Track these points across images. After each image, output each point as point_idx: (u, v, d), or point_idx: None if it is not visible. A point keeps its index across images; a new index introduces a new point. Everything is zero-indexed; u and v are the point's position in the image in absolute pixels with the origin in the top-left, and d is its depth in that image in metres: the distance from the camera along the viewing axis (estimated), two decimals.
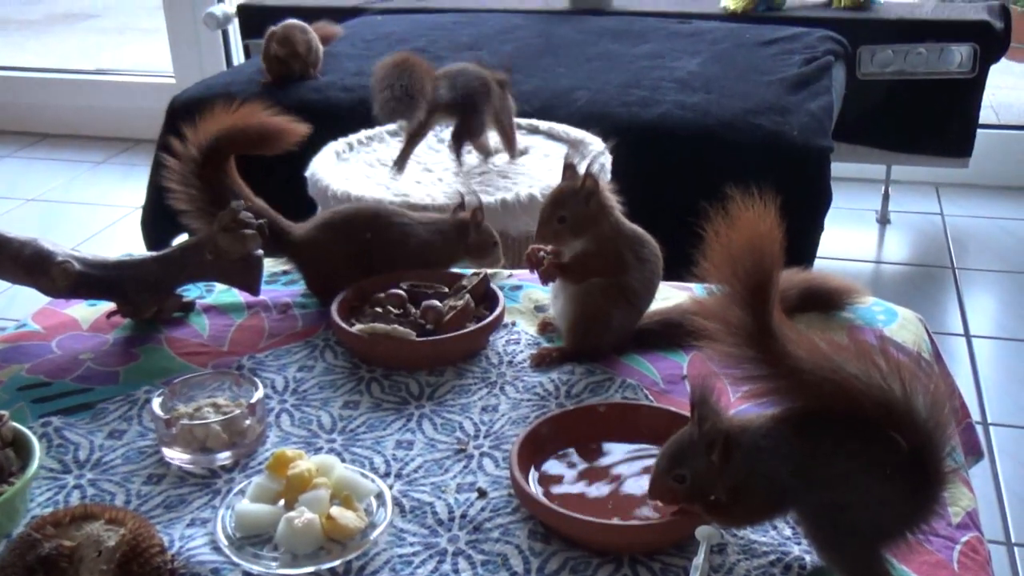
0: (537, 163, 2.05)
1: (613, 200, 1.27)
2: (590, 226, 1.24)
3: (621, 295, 1.27)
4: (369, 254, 1.42)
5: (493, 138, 2.06)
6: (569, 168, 1.27)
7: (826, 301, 1.39)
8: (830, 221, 2.32)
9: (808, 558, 0.96)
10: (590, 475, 1.09)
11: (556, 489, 1.05)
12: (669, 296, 1.44)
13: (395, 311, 1.34)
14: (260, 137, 1.44)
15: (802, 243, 2.20)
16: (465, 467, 1.11)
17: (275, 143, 1.45)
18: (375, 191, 1.90)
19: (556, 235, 1.25)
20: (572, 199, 1.24)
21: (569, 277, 1.28)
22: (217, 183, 1.41)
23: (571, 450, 1.11)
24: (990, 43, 3.09)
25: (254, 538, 1.00)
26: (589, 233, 1.25)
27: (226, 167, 1.44)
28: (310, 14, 3.40)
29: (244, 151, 1.45)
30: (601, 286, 1.26)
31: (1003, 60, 3.25)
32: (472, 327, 1.31)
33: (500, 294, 1.38)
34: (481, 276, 1.39)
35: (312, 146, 2.06)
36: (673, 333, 1.33)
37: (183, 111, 2.59)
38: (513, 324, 1.39)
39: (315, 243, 1.44)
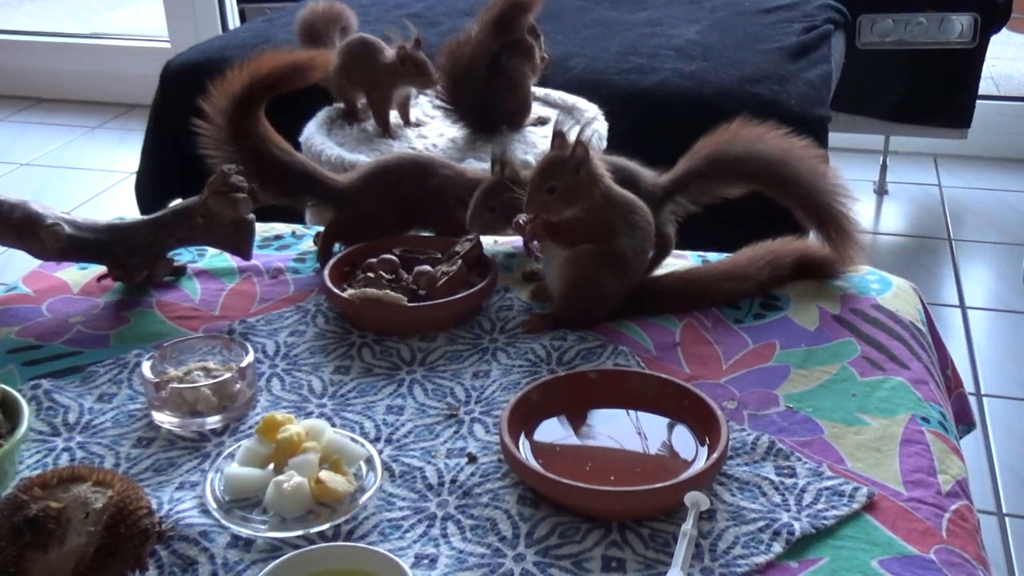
0: (533, 129, 2.03)
1: (603, 168, 1.26)
2: (580, 195, 1.23)
3: (612, 261, 1.26)
4: (415, 201, 1.43)
5: None
6: (559, 136, 1.25)
7: (820, 269, 1.38)
8: None
9: (797, 525, 0.96)
10: (580, 441, 1.09)
11: (546, 455, 1.05)
12: (664, 264, 1.43)
13: (387, 276, 1.33)
14: (291, 71, 1.43)
15: None
16: (456, 432, 1.11)
17: (306, 74, 1.45)
18: (370, 157, 1.89)
19: (545, 205, 1.23)
20: (562, 168, 1.22)
21: (558, 240, 1.27)
22: (252, 137, 1.41)
23: (562, 416, 1.11)
24: (991, 13, 3.06)
25: (243, 501, 1.00)
26: (579, 203, 1.23)
27: (259, 118, 1.42)
28: None
29: (279, 89, 1.44)
30: (592, 252, 1.26)
31: (1004, 30, 3.23)
32: (464, 293, 1.31)
33: (493, 260, 1.37)
34: (474, 242, 1.38)
35: (307, 111, 2.05)
36: (666, 300, 1.33)
37: (178, 76, 2.57)
38: (506, 290, 1.38)
39: (361, 190, 1.44)
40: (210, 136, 1.42)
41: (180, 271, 1.44)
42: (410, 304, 1.28)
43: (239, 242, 1.40)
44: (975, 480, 1.12)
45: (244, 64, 1.40)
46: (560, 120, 1.27)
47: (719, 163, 1.38)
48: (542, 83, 2.11)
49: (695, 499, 0.95)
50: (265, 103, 1.44)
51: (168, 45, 4.15)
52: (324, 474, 0.99)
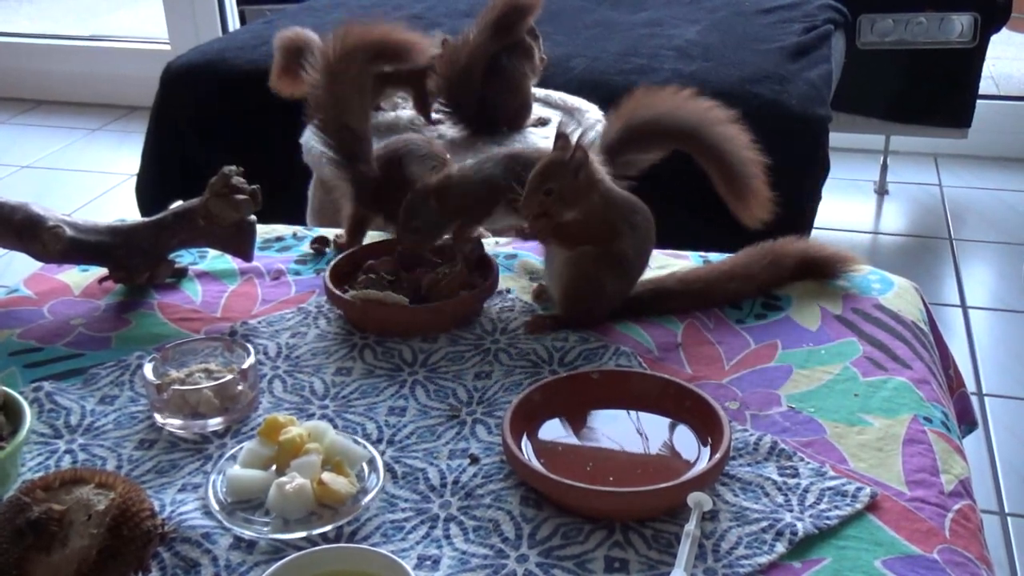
0: (533, 130, 2.03)
1: (603, 171, 1.26)
2: (579, 198, 1.22)
3: (613, 262, 1.26)
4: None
5: None
6: (561, 138, 1.25)
7: (822, 269, 1.38)
8: (828, 191, 2.31)
9: (800, 525, 0.96)
10: (582, 442, 1.09)
11: (548, 455, 1.05)
12: (665, 264, 1.43)
13: (388, 277, 1.33)
14: (401, 48, 1.44)
15: (799, 212, 2.19)
16: (458, 433, 1.11)
17: (410, 56, 1.47)
18: None
19: (543, 207, 1.23)
20: (560, 171, 1.22)
21: (560, 242, 1.27)
22: (348, 86, 1.40)
23: (564, 417, 1.11)
24: (991, 13, 3.06)
25: (245, 503, 1.00)
26: (577, 205, 1.23)
27: (363, 75, 1.41)
28: None
29: (383, 60, 1.45)
30: (593, 253, 1.25)
31: (1004, 30, 3.23)
32: (466, 294, 1.31)
33: (495, 261, 1.37)
34: (475, 242, 1.38)
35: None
36: (668, 301, 1.33)
37: (178, 77, 2.58)
38: (507, 291, 1.38)
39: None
40: (313, 73, 1.41)
41: (181, 273, 1.44)
42: (412, 305, 1.28)
43: (240, 244, 1.40)
44: (977, 480, 1.11)
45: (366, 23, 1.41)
46: (563, 122, 1.27)
47: (636, 131, 1.36)
48: (542, 84, 2.11)
49: (698, 499, 0.95)
50: (372, 61, 1.43)
51: (168, 47, 4.16)
52: (326, 476, 0.99)
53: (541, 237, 1.28)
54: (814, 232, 2.29)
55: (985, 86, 3.36)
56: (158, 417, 1.13)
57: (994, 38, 3.14)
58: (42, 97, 4.42)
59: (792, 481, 1.02)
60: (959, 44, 3.09)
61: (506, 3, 1.91)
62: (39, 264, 1.44)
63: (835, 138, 2.42)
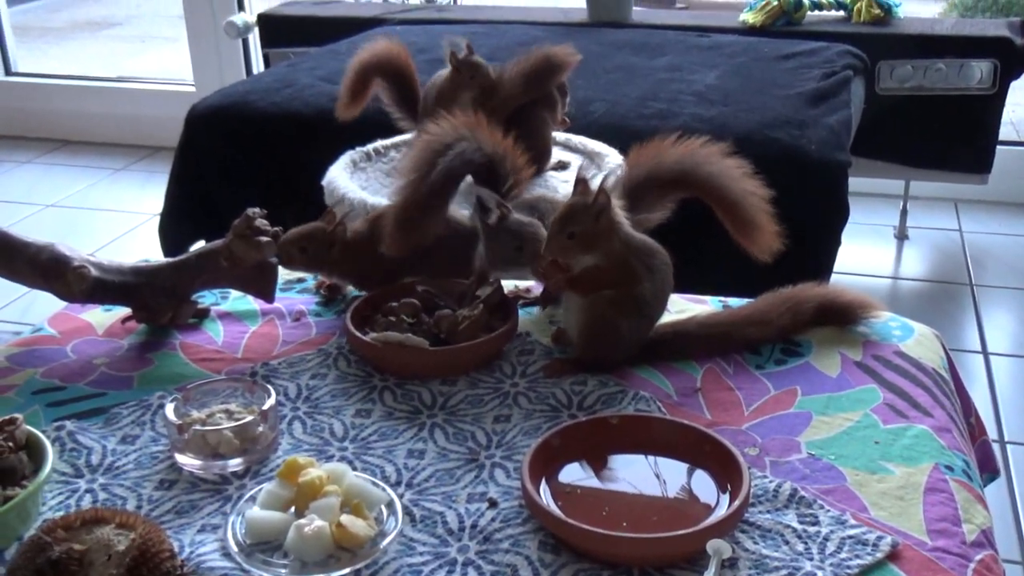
0: (553, 174, 2.04)
1: (623, 215, 1.27)
2: (600, 242, 1.23)
3: (631, 305, 1.26)
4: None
5: None
6: (581, 183, 1.26)
7: (842, 315, 1.38)
8: (847, 236, 2.31)
9: (820, 574, 0.95)
10: (602, 487, 1.09)
11: (567, 500, 1.05)
12: (685, 309, 1.44)
13: (408, 320, 1.34)
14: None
15: (819, 258, 2.19)
16: (476, 477, 1.11)
17: None
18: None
19: (564, 250, 1.24)
20: (582, 215, 1.23)
21: (579, 290, 1.28)
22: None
23: (583, 461, 1.11)
24: (1010, 59, 3.07)
25: (264, 545, 1.00)
26: (599, 249, 1.24)
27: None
28: (330, 25, 3.42)
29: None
30: (609, 295, 1.26)
31: (1023, 77, 3.24)
32: (485, 337, 1.31)
33: (514, 304, 1.38)
34: (495, 286, 1.39)
35: (330, 155, 2.07)
36: (688, 346, 1.33)
37: (203, 119, 2.61)
38: (527, 334, 1.38)
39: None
40: None
41: (204, 313, 1.45)
42: (431, 348, 1.29)
43: (262, 285, 1.41)
44: (999, 528, 1.10)
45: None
46: (584, 167, 1.28)
47: (636, 190, 1.37)
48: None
49: (717, 547, 0.95)
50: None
51: (193, 89, 4.21)
52: (345, 518, 0.99)
53: (555, 290, 1.28)
54: (834, 277, 2.28)
55: (1005, 132, 3.36)
56: (179, 457, 1.14)
57: (1014, 84, 3.15)
58: (68, 137, 4.48)
59: (812, 529, 1.01)
60: (979, 90, 3.09)
61: (541, 59, 1.92)
62: (62, 303, 1.45)
63: (854, 183, 2.42)
